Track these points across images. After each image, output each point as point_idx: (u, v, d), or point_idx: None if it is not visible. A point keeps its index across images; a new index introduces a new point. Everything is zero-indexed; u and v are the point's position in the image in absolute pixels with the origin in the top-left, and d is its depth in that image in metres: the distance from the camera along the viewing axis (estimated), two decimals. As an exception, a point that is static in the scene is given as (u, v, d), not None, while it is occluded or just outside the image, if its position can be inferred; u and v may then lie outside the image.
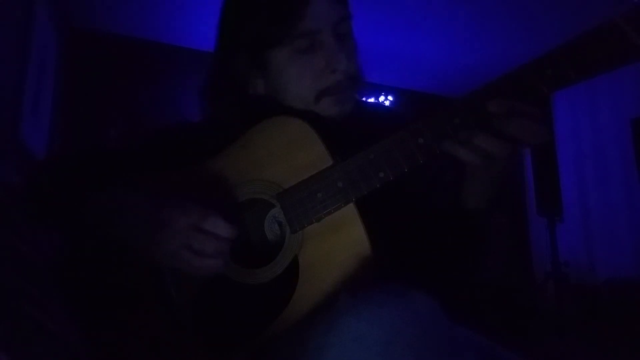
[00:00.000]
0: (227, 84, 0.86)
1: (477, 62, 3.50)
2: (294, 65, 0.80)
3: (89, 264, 0.82)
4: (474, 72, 3.54)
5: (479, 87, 0.67)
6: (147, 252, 0.71)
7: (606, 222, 3.52)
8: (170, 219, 0.68)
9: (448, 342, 0.55)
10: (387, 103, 3.89)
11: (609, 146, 3.54)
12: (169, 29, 3.14)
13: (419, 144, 0.68)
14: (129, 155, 0.89)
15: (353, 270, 0.68)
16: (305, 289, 0.70)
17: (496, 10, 2.96)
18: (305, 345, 0.55)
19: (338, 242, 0.70)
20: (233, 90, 0.85)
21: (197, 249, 0.67)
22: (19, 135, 2.09)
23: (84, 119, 2.97)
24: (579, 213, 3.68)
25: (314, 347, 0.54)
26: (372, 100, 3.75)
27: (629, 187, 3.36)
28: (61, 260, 0.83)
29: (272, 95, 0.85)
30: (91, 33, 3.09)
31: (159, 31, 3.16)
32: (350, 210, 0.70)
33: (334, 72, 0.79)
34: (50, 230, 0.88)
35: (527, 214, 4.04)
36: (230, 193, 0.76)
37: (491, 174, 0.72)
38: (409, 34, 3.25)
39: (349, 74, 0.81)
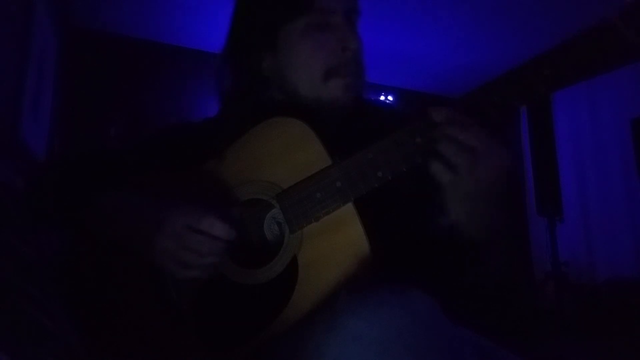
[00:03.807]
0: (239, 64, 0.87)
1: (476, 62, 3.50)
2: (306, 40, 0.82)
3: (89, 264, 0.82)
4: (474, 72, 3.55)
5: (478, 87, 0.68)
6: (146, 253, 0.72)
7: (606, 222, 3.52)
8: (168, 219, 0.69)
9: (447, 341, 0.55)
10: (387, 103, 3.89)
11: (609, 146, 3.54)
12: (169, 29, 3.14)
13: (416, 144, 0.68)
14: (130, 156, 0.89)
15: (352, 270, 0.68)
16: (305, 289, 0.70)
17: (495, 11, 2.96)
18: (305, 344, 0.55)
19: (337, 241, 0.70)
20: (243, 71, 0.87)
21: (194, 249, 0.67)
22: (19, 135, 2.09)
23: (84, 119, 2.97)
24: (579, 213, 3.68)
25: (313, 347, 0.54)
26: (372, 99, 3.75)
27: (629, 187, 3.36)
28: (61, 260, 0.83)
29: (277, 77, 0.86)
30: (92, 33, 3.10)
31: (160, 31, 3.16)
32: (349, 210, 0.70)
33: (344, 50, 0.82)
34: (50, 231, 0.88)
35: (527, 214, 4.04)
36: (230, 194, 0.76)
37: (465, 189, 0.67)
38: (409, 34, 3.25)
39: (357, 58, 0.83)
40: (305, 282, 0.70)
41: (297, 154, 0.73)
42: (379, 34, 3.15)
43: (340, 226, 0.70)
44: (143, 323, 0.77)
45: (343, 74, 0.82)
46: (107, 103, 3.05)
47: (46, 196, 0.82)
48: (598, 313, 2.76)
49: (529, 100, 0.66)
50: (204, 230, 0.67)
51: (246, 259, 0.75)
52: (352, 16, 0.85)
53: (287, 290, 0.70)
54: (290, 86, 0.84)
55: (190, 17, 2.96)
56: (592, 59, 0.61)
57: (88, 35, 3.09)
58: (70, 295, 0.78)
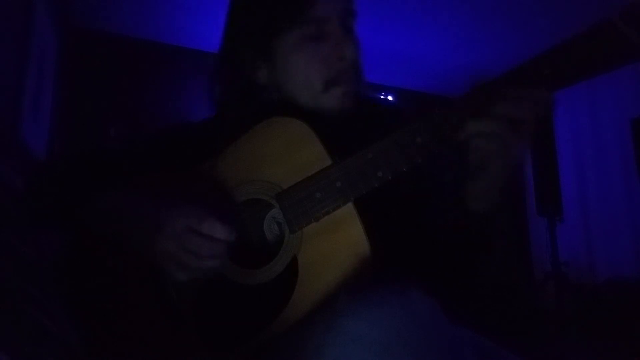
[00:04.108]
0: (232, 74, 0.87)
1: (476, 62, 3.50)
2: (302, 52, 0.81)
3: (89, 264, 0.82)
4: (474, 72, 3.54)
5: (476, 87, 0.67)
6: (146, 253, 0.72)
7: (606, 222, 3.52)
8: (168, 220, 0.68)
9: (447, 342, 0.55)
10: (387, 103, 3.89)
11: (609, 146, 3.54)
12: (169, 29, 3.14)
13: (417, 143, 0.68)
14: (129, 156, 0.89)
15: (352, 270, 0.68)
16: (305, 289, 0.70)
17: (495, 11, 2.96)
18: (305, 345, 0.55)
19: (337, 241, 0.70)
20: (237, 81, 0.86)
21: (194, 251, 0.67)
22: (19, 135, 2.09)
23: (84, 119, 2.97)
24: (579, 213, 3.67)
25: (313, 347, 0.54)
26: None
27: (629, 187, 3.36)
28: (61, 260, 0.83)
29: (275, 86, 0.85)
30: (92, 33, 3.09)
31: (159, 31, 3.16)
32: (349, 210, 0.70)
33: (341, 60, 0.80)
34: (50, 231, 0.88)
35: (527, 214, 4.04)
36: (229, 194, 0.76)
37: (503, 165, 0.69)
38: (409, 34, 3.25)
39: (354, 65, 0.82)
40: (305, 282, 0.70)
41: (297, 154, 0.73)
42: (379, 34, 3.15)
43: (340, 226, 0.70)
44: (143, 323, 0.77)
45: (342, 82, 0.81)
46: (107, 103, 3.05)
47: (46, 196, 0.82)
48: (598, 313, 2.76)
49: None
50: (204, 232, 0.67)
51: (246, 259, 0.75)
52: (347, 20, 0.83)
53: (287, 291, 0.70)
54: (288, 95, 0.84)
55: (190, 17, 2.96)
56: (592, 59, 0.61)
57: (88, 35, 3.08)
58: (70, 295, 0.78)
